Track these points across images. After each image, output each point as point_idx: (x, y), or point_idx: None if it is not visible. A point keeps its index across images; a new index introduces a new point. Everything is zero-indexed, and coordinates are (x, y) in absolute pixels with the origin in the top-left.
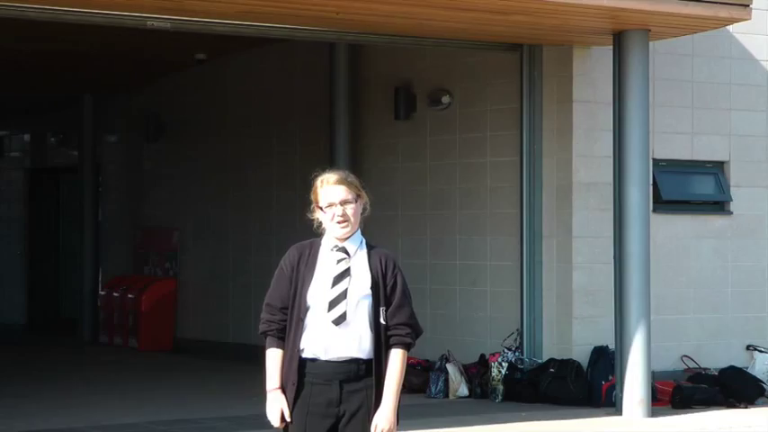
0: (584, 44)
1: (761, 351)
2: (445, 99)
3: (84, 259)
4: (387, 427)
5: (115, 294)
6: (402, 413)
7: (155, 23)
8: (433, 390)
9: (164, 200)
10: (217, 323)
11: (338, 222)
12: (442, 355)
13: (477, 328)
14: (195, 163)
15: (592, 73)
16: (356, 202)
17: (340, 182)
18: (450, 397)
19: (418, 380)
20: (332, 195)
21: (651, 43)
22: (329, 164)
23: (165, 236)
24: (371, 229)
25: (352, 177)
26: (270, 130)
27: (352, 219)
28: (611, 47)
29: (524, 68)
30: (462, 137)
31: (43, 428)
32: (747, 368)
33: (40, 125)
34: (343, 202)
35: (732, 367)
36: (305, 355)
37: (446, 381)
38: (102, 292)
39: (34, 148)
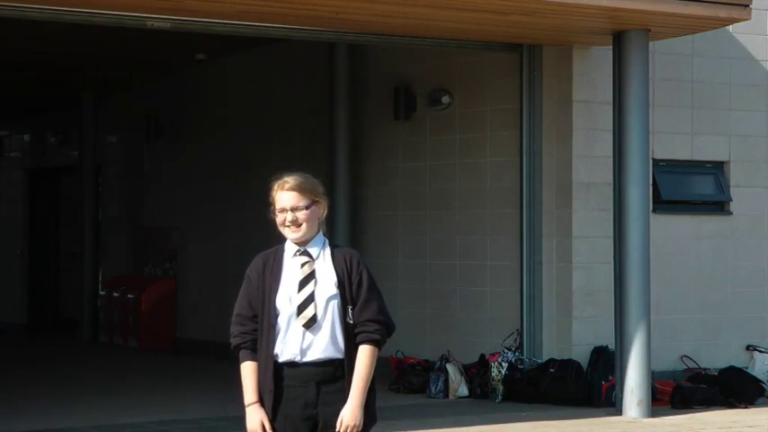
0: (584, 44)
1: (761, 351)
2: (445, 99)
3: (84, 259)
4: (352, 423)
5: (115, 294)
6: (400, 414)
7: (155, 23)
8: (432, 390)
9: (164, 200)
10: (217, 323)
11: (287, 227)
12: (442, 355)
13: (477, 328)
14: (195, 163)
15: (592, 73)
16: (309, 208)
17: (293, 188)
18: (450, 397)
19: (418, 380)
20: (283, 201)
21: (651, 43)
22: (329, 164)
23: (164, 236)
24: (372, 230)
25: (308, 183)
26: (270, 130)
27: (304, 224)
28: (611, 47)
29: (524, 68)
30: (462, 137)
31: (43, 428)
32: (747, 368)
33: (40, 125)
34: (294, 209)
35: (732, 367)
36: (281, 359)
37: (446, 381)
38: (102, 292)
39: (34, 148)
